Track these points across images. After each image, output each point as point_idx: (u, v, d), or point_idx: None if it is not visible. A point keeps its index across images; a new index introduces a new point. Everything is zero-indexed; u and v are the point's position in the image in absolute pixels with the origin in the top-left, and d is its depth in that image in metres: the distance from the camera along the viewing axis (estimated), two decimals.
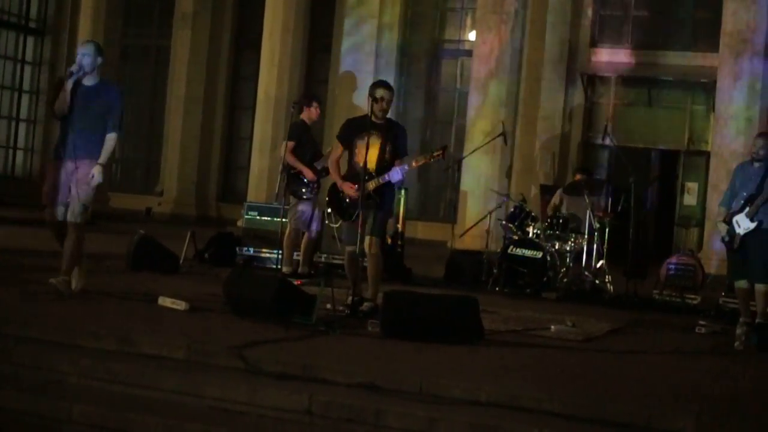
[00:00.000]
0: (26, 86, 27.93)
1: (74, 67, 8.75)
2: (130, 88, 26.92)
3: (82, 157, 8.72)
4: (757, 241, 9.49)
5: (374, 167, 9.05)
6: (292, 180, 11.90)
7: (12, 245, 13.63)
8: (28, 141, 28.12)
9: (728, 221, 9.76)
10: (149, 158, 27.15)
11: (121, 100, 9.10)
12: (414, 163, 9.10)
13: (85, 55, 8.80)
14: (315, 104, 12.25)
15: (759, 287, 9.53)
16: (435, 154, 9.11)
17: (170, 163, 25.57)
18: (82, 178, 8.72)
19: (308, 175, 11.86)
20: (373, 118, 9.06)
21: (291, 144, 11.90)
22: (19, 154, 28.08)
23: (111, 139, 8.88)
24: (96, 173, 8.74)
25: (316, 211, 12.06)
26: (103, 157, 8.82)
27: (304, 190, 11.86)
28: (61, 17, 27.62)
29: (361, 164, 9.05)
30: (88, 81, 8.86)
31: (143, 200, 25.53)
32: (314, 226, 12.07)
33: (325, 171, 11.28)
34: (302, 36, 22.33)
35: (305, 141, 11.98)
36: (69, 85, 8.69)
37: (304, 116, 12.19)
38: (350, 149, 9.25)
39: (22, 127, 28.01)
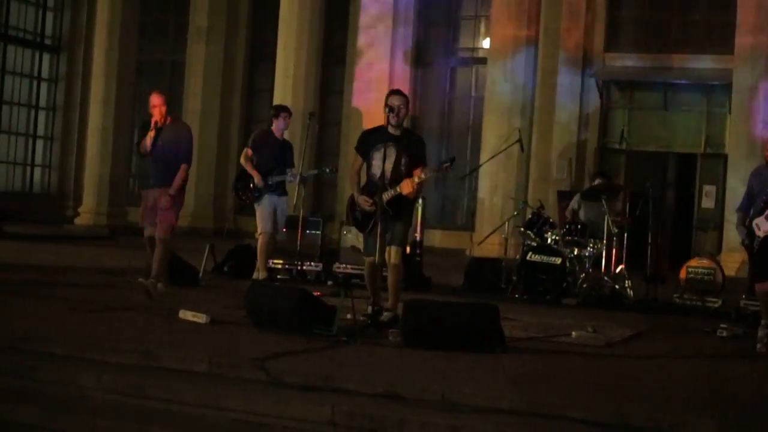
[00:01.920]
0: (42, 103, 28.06)
1: (155, 118, 10.57)
2: (145, 102, 27.02)
3: (164, 186, 10.50)
4: None
5: (390, 179, 9.04)
6: (239, 185, 12.39)
7: (31, 261, 13.67)
8: (45, 158, 28.25)
9: (748, 225, 9.73)
10: None
11: (190, 135, 10.95)
12: (423, 176, 9.03)
13: (160, 107, 10.61)
14: (283, 115, 12.54)
15: None
16: (444, 166, 9.08)
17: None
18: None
19: (256, 179, 12.15)
20: (389, 129, 9.06)
21: (247, 150, 12.41)
22: (37, 171, 28.21)
23: (182, 170, 10.58)
24: (163, 199, 10.45)
25: (274, 212, 12.18)
26: (173, 187, 10.50)
27: (248, 194, 12.27)
28: (76, 34, 27.75)
29: (378, 176, 9.05)
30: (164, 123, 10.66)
31: None
32: (269, 227, 12.17)
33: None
34: (316, 48, 22.38)
35: (266, 150, 12.26)
36: (153, 132, 10.52)
37: (273, 127, 12.46)
38: (367, 161, 9.23)
39: (39, 143, 28.14)
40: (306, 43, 21.81)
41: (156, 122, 10.55)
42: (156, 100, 10.67)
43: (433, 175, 9.05)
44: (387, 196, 8.97)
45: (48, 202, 27.53)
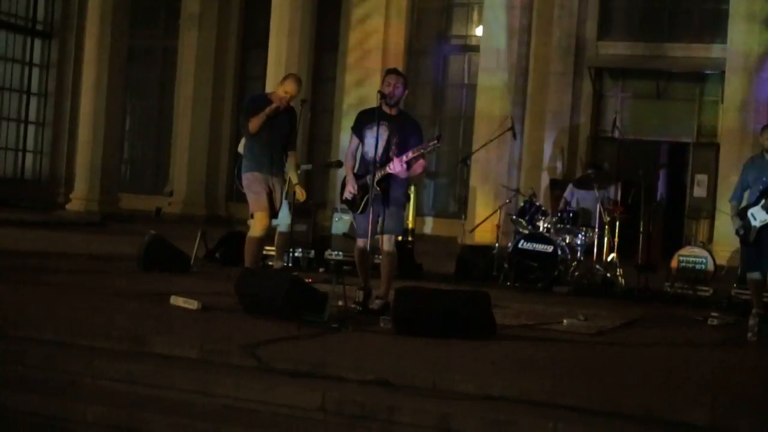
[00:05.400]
0: (34, 89, 28.00)
1: (281, 104, 10.08)
2: (137, 89, 27.03)
3: (279, 172, 10.17)
4: None
5: (382, 158, 8.93)
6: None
7: (22, 247, 13.64)
8: (37, 143, 28.21)
9: (742, 214, 9.73)
10: (158, 159, 27.21)
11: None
12: (411, 153, 8.96)
13: (293, 94, 10.19)
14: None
15: None
16: (430, 144, 9.01)
17: (179, 164, 25.62)
18: (282, 189, 10.22)
19: None
20: (384, 108, 9.01)
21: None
22: (29, 157, 28.17)
23: (292, 155, 10.42)
24: (298, 191, 10.64)
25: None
26: (298, 176, 10.65)
27: None
28: (68, 20, 27.69)
29: (370, 155, 9.01)
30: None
31: (153, 201, 25.59)
32: (279, 219, 12.00)
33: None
34: (309, 35, 22.30)
35: None
36: (270, 112, 9.97)
37: None
38: (362, 141, 9.20)
39: (31, 129, 28.10)
40: (298, 30, 21.73)
41: (278, 108, 10.05)
42: (293, 89, 10.25)
43: (421, 153, 8.95)
44: (378, 175, 8.92)
45: (39, 188, 27.50)
